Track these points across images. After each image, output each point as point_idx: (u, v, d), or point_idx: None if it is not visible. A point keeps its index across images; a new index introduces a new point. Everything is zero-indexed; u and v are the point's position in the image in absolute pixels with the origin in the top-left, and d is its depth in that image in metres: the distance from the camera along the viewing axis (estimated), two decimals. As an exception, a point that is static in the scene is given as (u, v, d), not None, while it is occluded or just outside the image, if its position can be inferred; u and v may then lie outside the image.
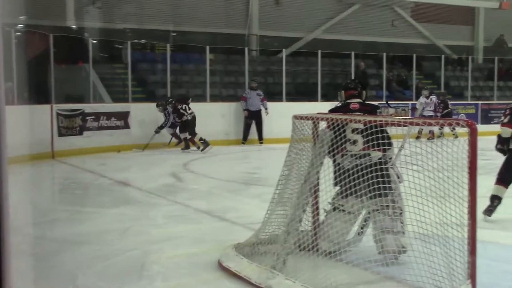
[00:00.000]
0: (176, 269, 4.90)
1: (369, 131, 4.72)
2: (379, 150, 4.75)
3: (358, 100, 5.47)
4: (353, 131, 4.88)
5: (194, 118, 13.62)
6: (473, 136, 4.07)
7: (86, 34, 16.32)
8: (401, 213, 4.75)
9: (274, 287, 4.19)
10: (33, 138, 11.67)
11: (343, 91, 5.65)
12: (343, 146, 4.78)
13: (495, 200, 6.44)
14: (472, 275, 3.96)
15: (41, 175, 10.49)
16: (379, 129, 4.70)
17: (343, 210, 4.85)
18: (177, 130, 14.05)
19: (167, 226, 6.55)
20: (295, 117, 5.12)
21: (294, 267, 4.39)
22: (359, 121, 4.80)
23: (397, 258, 4.68)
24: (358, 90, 5.59)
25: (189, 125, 13.58)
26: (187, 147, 13.75)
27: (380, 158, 4.71)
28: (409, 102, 18.01)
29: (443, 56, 20.34)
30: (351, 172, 4.65)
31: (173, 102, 13.73)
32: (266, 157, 14.06)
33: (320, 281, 4.09)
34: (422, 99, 17.15)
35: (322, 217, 5.05)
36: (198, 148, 13.51)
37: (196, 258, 5.10)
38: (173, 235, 6.10)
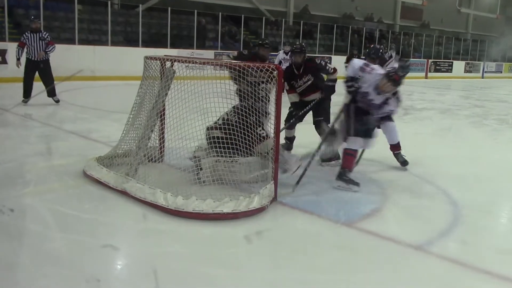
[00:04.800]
0: (47, 177, 4.68)
1: None
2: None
3: None
4: None
5: None
6: (279, 76, 4.24)
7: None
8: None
9: (128, 189, 4.16)
10: None
11: None
12: None
13: None
14: (275, 177, 4.20)
15: None
16: None
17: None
18: None
19: (39, 144, 6.18)
20: (146, 57, 4.99)
21: (144, 174, 4.37)
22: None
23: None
24: None
25: None
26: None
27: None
28: (236, 52, 18.06)
29: (264, 18, 20.78)
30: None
31: None
32: (123, 90, 13.30)
33: (163, 184, 4.13)
34: (281, 55, 12.50)
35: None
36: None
37: (64, 168, 4.90)
38: (44, 151, 5.79)
